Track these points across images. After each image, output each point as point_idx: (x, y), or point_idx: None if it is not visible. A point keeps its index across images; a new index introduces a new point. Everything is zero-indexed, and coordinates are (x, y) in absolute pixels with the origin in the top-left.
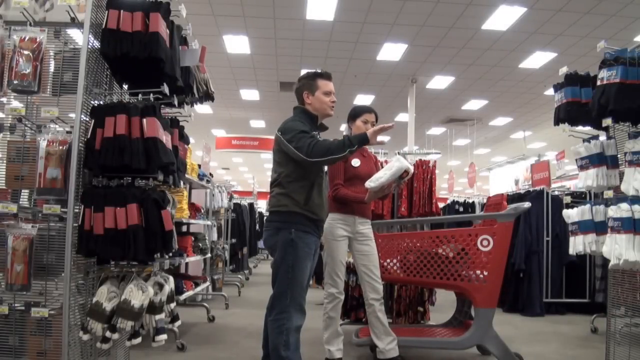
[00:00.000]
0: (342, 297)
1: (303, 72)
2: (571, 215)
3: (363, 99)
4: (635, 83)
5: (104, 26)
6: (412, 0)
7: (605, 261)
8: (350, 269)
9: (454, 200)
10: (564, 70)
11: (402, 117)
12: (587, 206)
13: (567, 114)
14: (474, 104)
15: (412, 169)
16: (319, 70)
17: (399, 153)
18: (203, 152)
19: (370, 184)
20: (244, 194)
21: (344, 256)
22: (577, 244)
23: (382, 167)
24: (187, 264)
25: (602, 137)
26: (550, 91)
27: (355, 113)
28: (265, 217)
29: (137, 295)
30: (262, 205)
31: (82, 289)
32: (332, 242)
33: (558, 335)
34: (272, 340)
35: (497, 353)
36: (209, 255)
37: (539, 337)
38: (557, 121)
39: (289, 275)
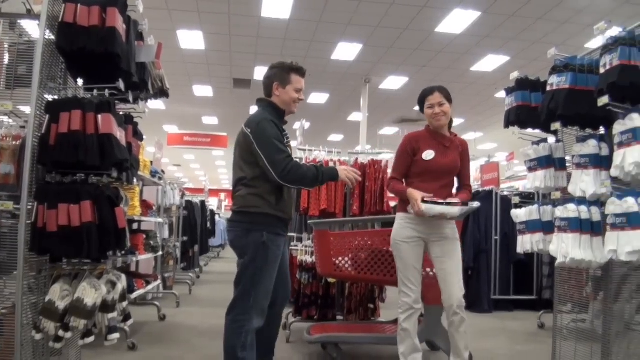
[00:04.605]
0: (419, 306)
1: (257, 69)
2: (519, 215)
3: (317, 97)
4: (584, 89)
5: (60, 20)
6: (367, 1)
7: (552, 259)
8: (303, 267)
9: None
10: (515, 75)
11: (354, 116)
12: (535, 206)
13: (517, 117)
14: None
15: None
16: (294, 64)
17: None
18: (155, 149)
19: (424, 201)
20: (195, 191)
21: (417, 260)
22: (525, 243)
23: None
24: (138, 262)
25: (551, 140)
26: (501, 94)
27: (421, 99)
28: (229, 217)
29: (90, 293)
30: (213, 203)
31: (35, 288)
32: (400, 244)
33: (506, 331)
34: (228, 340)
35: (446, 349)
36: (160, 253)
37: (487, 333)
38: (508, 124)
39: (256, 278)
